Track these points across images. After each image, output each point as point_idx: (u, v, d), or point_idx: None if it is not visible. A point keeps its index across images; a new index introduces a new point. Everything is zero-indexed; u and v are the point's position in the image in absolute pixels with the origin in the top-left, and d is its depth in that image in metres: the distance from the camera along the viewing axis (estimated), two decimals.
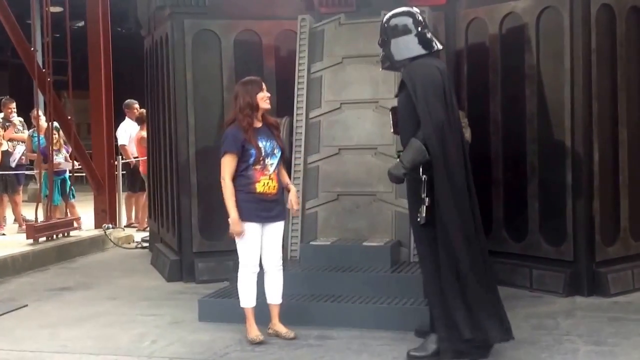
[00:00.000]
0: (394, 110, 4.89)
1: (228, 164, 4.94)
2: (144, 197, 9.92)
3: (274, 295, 5.12)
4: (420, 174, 4.48)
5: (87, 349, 5.06)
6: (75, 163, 9.76)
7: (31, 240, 8.35)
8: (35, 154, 9.60)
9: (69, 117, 9.44)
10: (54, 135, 9.06)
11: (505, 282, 6.12)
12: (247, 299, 5.05)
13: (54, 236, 8.65)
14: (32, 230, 8.39)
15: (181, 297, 6.41)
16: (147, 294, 6.62)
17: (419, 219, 4.55)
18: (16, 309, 6.17)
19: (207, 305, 5.61)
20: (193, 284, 6.78)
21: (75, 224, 9.12)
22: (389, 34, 4.78)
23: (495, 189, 6.50)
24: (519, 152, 6.32)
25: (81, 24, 15.18)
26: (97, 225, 9.62)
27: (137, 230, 9.98)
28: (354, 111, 6.30)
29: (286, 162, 5.56)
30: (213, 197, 6.37)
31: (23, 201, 10.62)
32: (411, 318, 5.08)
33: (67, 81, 9.20)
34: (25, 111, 10.98)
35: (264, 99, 5.01)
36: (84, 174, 10.15)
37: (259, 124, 5.02)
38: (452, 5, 6.76)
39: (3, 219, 10.02)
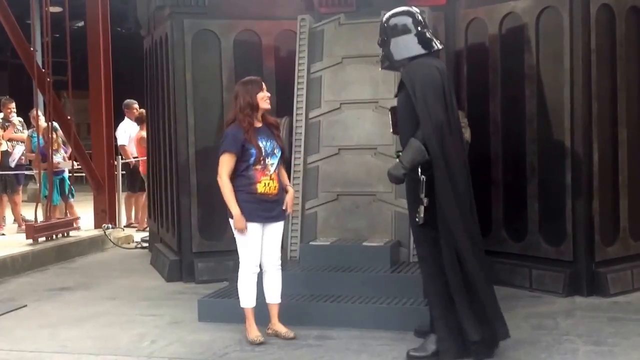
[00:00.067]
0: (393, 110, 4.88)
1: (226, 163, 4.94)
2: (143, 197, 9.92)
3: (273, 295, 5.12)
4: (419, 174, 4.48)
5: (86, 349, 5.06)
6: (74, 163, 9.75)
7: (31, 241, 8.35)
8: (35, 154, 9.61)
9: (69, 117, 9.44)
10: (49, 136, 9.05)
11: (504, 282, 6.13)
12: (247, 299, 5.05)
13: (54, 236, 8.65)
14: (32, 231, 8.39)
15: (181, 297, 6.41)
16: (147, 294, 6.62)
17: (417, 219, 4.55)
18: (16, 309, 6.17)
19: (207, 306, 5.61)
20: (193, 284, 6.78)
21: (74, 224, 9.11)
22: (388, 33, 4.77)
23: (494, 189, 6.50)
24: (518, 152, 6.32)
25: (81, 24, 15.19)
26: (97, 225, 9.62)
27: (136, 230, 9.98)
28: (353, 111, 6.30)
29: (286, 162, 5.56)
30: (213, 197, 6.37)
31: (23, 201, 10.62)
32: (411, 318, 5.08)
33: (67, 81, 9.20)
34: (25, 111, 10.98)
35: (264, 99, 5.01)
36: (83, 174, 10.14)
37: (259, 124, 5.02)
38: (452, 5, 6.77)
39: (3, 219, 10.02)
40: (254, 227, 4.96)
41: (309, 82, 6.41)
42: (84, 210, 9.92)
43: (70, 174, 9.59)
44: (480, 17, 6.59)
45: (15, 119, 10.40)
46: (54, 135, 9.19)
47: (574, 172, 6.01)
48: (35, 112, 9.62)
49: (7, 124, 10.26)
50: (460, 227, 4.47)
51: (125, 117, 10.67)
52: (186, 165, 6.90)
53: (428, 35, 4.75)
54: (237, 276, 5.12)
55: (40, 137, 9.33)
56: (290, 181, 6.04)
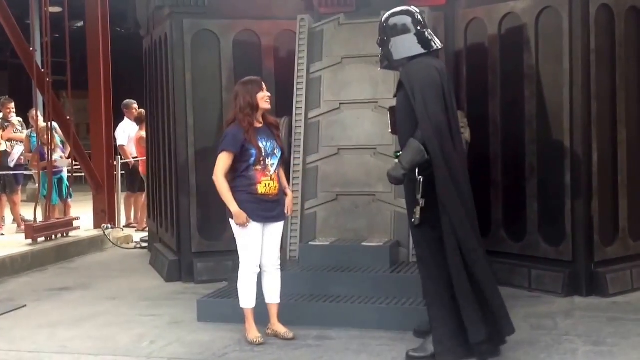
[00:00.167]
0: (392, 110, 4.88)
1: (223, 162, 4.93)
2: (143, 197, 9.92)
3: (273, 295, 5.12)
4: (417, 174, 4.47)
5: (85, 349, 5.06)
6: (73, 162, 9.73)
7: (30, 241, 8.35)
8: (32, 154, 9.61)
9: (68, 117, 9.44)
10: (48, 136, 9.04)
11: (504, 282, 6.12)
12: (247, 299, 5.05)
13: (53, 236, 8.65)
14: (31, 231, 8.38)
15: (180, 297, 6.41)
16: (146, 294, 6.61)
17: (413, 220, 4.54)
18: (15, 309, 6.17)
19: (206, 306, 5.61)
20: (192, 284, 6.78)
21: (73, 224, 9.10)
22: (387, 33, 4.76)
23: (494, 189, 6.50)
24: (518, 152, 6.32)
25: (80, 24, 15.18)
26: (96, 225, 9.62)
27: (136, 231, 9.98)
28: (353, 111, 6.30)
29: (285, 162, 5.55)
30: (212, 198, 6.35)
31: (22, 201, 10.62)
32: (410, 318, 5.08)
33: (66, 81, 9.20)
34: (25, 111, 10.99)
35: (264, 99, 5.00)
36: (83, 174, 10.14)
37: (259, 124, 5.02)
38: (452, 5, 6.76)
39: (2, 219, 10.03)
40: (254, 227, 4.95)
41: (308, 82, 6.41)
42: (83, 210, 9.91)
43: (70, 174, 9.59)
44: (480, 17, 6.59)
45: (15, 119, 10.40)
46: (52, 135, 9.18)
47: (573, 172, 6.01)
48: (33, 112, 9.61)
49: (6, 124, 10.25)
50: (467, 226, 4.46)
51: (125, 117, 10.68)
52: (186, 166, 6.90)
53: (427, 34, 4.73)
54: (236, 276, 5.12)
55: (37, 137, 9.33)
56: (289, 181, 6.06)
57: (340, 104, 6.34)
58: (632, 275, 6.18)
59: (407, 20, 4.74)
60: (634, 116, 6.30)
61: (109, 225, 9.52)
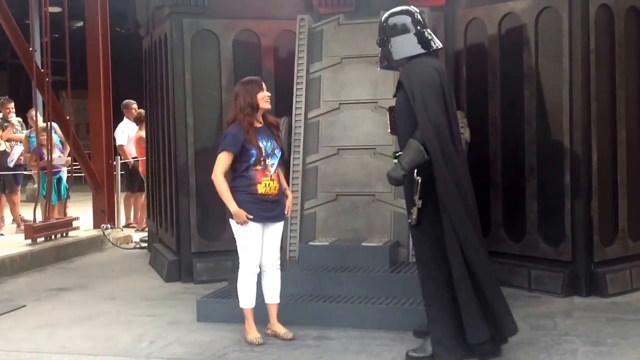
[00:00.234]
0: (391, 110, 4.87)
1: (222, 161, 4.93)
2: (142, 198, 9.92)
3: (272, 294, 5.12)
4: (415, 175, 4.46)
5: (85, 349, 5.06)
6: (69, 160, 9.73)
7: (29, 241, 8.34)
8: (30, 155, 9.61)
9: (68, 117, 9.43)
10: (44, 136, 9.03)
11: (503, 282, 6.09)
12: (246, 299, 5.04)
13: (52, 236, 8.65)
14: (31, 231, 8.38)
15: (179, 297, 6.41)
16: (146, 294, 6.61)
17: (409, 220, 4.54)
18: (14, 310, 6.17)
19: (206, 306, 5.61)
20: (191, 284, 6.77)
21: (72, 225, 9.10)
22: (387, 33, 4.75)
23: (493, 189, 6.50)
24: (517, 152, 6.32)
25: (80, 24, 15.18)
26: (96, 225, 9.62)
27: (135, 231, 9.98)
28: (352, 111, 6.30)
29: (285, 162, 5.55)
30: (212, 198, 6.35)
31: (21, 201, 10.62)
32: (410, 318, 5.08)
33: (66, 81, 9.19)
34: (24, 111, 10.98)
35: (264, 99, 5.00)
36: (82, 174, 10.14)
37: (259, 124, 5.02)
38: (451, 5, 6.76)
39: (1, 219, 10.02)
40: (254, 227, 4.95)
41: (308, 82, 6.41)
42: (82, 211, 9.91)
43: (69, 174, 9.58)
44: (480, 18, 6.59)
45: (14, 119, 10.40)
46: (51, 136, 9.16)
47: (572, 172, 6.01)
48: (32, 112, 9.61)
49: (5, 124, 10.25)
50: (468, 226, 4.45)
51: (124, 118, 10.68)
52: (185, 166, 6.90)
53: (427, 34, 4.72)
54: (236, 276, 5.12)
55: (34, 137, 9.32)
56: (289, 181, 6.06)
57: (339, 104, 6.34)
58: (632, 275, 6.18)
59: (407, 20, 4.73)
60: (633, 116, 6.30)
61: (109, 226, 9.51)
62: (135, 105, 10.57)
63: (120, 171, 10.28)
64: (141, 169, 9.90)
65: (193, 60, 6.87)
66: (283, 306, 5.16)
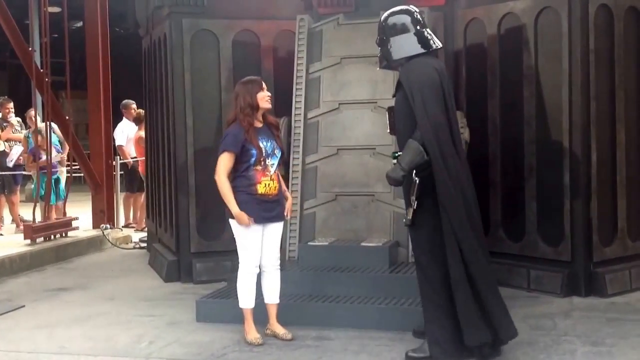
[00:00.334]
0: (390, 110, 4.87)
1: (225, 162, 4.93)
2: (142, 198, 9.92)
3: (272, 295, 5.12)
4: (413, 175, 4.45)
5: (84, 349, 5.05)
6: (64, 157, 9.72)
7: (29, 241, 8.34)
8: (27, 155, 9.62)
9: (67, 117, 9.43)
10: (39, 137, 9.02)
11: (502, 283, 6.11)
12: (246, 299, 5.04)
13: (52, 236, 8.64)
14: (30, 231, 8.37)
15: (179, 297, 6.41)
16: (145, 294, 6.61)
17: (404, 220, 4.53)
18: (13, 310, 6.17)
19: (205, 306, 5.61)
20: (191, 285, 6.77)
21: (72, 225, 9.10)
22: (387, 32, 4.75)
23: (493, 189, 6.50)
24: (516, 152, 6.32)
25: (79, 24, 15.18)
26: (95, 225, 9.62)
27: (135, 231, 9.98)
28: (352, 111, 6.30)
29: (285, 163, 5.55)
30: (211, 198, 6.35)
31: (21, 201, 10.62)
32: (409, 318, 5.08)
33: (65, 81, 9.19)
34: (24, 111, 10.97)
35: (264, 99, 5.00)
36: (82, 174, 10.13)
37: (259, 124, 5.02)
38: (451, 5, 6.76)
39: (1, 219, 10.02)
40: (254, 228, 4.94)
41: (307, 83, 6.41)
42: (82, 211, 9.90)
43: (69, 174, 9.58)
44: (479, 18, 6.59)
45: (14, 119, 10.40)
46: (44, 136, 9.14)
47: (572, 173, 6.02)
48: (31, 112, 9.60)
49: (5, 124, 10.25)
50: (467, 226, 4.44)
51: (123, 118, 10.68)
52: (185, 166, 6.89)
53: (427, 34, 4.71)
54: (235, 276, 5.11)
55: (32, 137, 9.33)
56: (289, 181, 6.06)
57: (339, 104, 6.34)
58: (631, 275, 6.18)
59: (407, 19, 4.72)
60: (632, 116, 6.31)
61: (108, 226, 9.51)
62: (134, 106, 10.57)
63: (120, 171, 10.28)
64: (141, 169, 9.90)
65: (192, 60, 6.87)
66: (282, 306, 5.16)
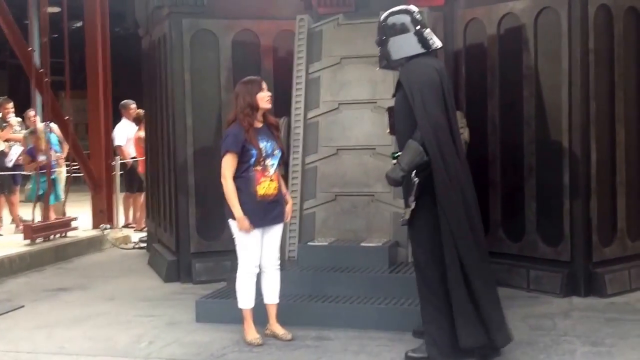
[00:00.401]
0: (390, 110, 4.86)
1: (229, 163, 4.92)
2: (141, 198, 9.91)
3: (272, 295, 5.11)
4: (413, 176, 4.45)
5: (84, 349, 5.05)
6: (60, 155, 9.71)
7: (28, 241, 8.34)
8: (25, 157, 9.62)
9: (67, 117, 9.43)
10: (35, 137, 9.01)
11: (502, 283, 6.12)
12: (245, 300, 5.04)
13: (51, 237, 8.64)
14: (29, 231, 8.37)
15: (179, 297, 6.41)
16: (145, 294, 6.61)
17: (400, 220, 4.53)
18: (13, 310, 6.17)
19: (205, 306, 5.61)
20: (190, 285, 6.77)
21: (71, 225, 9.10)
22: (386, 32, 4.74)
23: (492, 189, 6.50)
24: (516, 152, 6.33)
25: (79, 24, 15.16)
26: (95, 225, 9.61)
27: (134, 231, 9.97)
28: (352, 111, 6.30)
29: (284, 163, 5.54)
30: (211, 198, 6.37)
31: (20, 201, 10.61)
32: (409, 318, 5.08)
33: (65, 81, 9.18)
34: (24, 111, 10.96)
35: (264, 99, 4.99)
36: (81, 174, 10.13)
37: (259, 124, 5.01)
38: (450, 5, 6.76)
39: (0, 219, 10.01)
40: (254, 230, 4.94)
41: (307, 83, 6.41)
42: (81, 211, 9.90)
43: (68, 174, 9.58)
44: (479, 18, 6.59)
45: (14, 119, 10.38)
46: (42, 136, 9.12)
47: (571, 173, 6.02)
48: (30, 112, 9.59)
49: (4, 124, 10.24)
50: (465, 227, 4.43)
51: (123, 118, 10.67)
52: (184, 166, 6.89)
53: (426, 34, 4.70)
54: (235, 277, 5.11)
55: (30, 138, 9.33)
56: (288, 181, 6.06)
57: (339, 104, 6.34)
58: (630, 275, 6.18)
59: (406, 19, 4.72)
60: (632, 116, 6.31)
61: (108, 226, 9.51)
62: (133, 106, 10.56)
63: (119, 171, 10.28)
64: (140, 169, 9.89)
65: (192, 60, 6.87)
66: (282, 306, 5.16)
